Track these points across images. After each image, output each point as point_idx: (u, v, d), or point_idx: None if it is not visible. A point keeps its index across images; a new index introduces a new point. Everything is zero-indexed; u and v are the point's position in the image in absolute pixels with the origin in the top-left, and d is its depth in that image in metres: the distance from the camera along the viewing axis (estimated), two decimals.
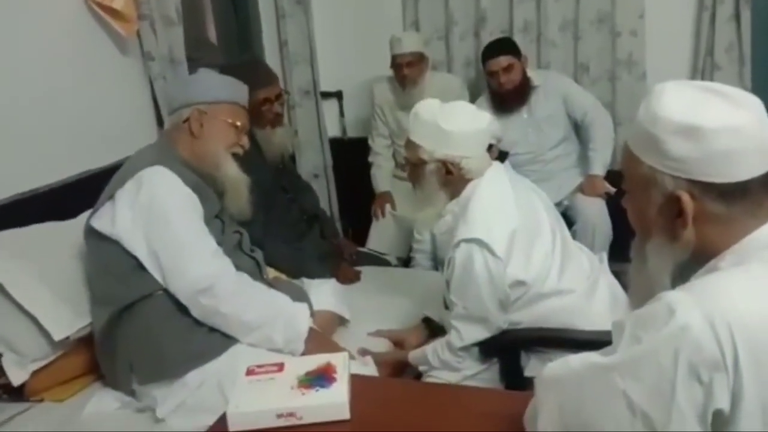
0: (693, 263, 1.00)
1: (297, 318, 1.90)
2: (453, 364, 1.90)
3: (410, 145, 1.92)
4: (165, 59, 2.76)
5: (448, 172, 1.87)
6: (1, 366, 1.84)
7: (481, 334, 1.86)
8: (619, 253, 2.86)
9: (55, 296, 1.90)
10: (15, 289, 1.84)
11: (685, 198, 0.97)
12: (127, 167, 1.88)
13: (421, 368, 2.00)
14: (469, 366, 1.90)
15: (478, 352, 1.91)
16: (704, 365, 0.84)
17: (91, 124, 2.51)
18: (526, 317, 1.88)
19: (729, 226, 0.97)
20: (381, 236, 3.36)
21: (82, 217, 2.04)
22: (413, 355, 2.02)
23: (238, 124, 1.97)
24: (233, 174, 1.95)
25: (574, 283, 1.91)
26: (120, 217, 1.78)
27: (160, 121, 2.80)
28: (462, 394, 1.50)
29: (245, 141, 2.00)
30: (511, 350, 1.90)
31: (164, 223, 1.78)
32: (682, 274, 1.01)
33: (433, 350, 1.94)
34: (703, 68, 3.27)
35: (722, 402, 0.84)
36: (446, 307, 2.05)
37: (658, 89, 1.01)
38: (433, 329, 2.18)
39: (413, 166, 1.93)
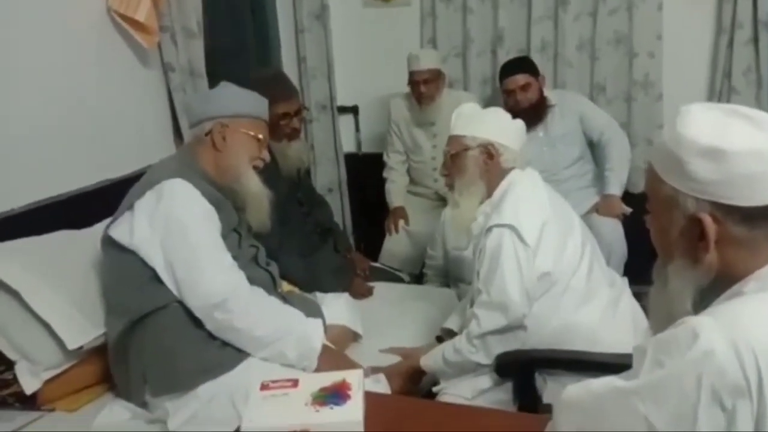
0: (716, 287, 0.99)
1: (310, 334, 1.90)
2: (465, 354, 1.90)
3: (453, 139, 2.03)
4: (185, 71, 2.78)
5: (490, 156, 1.96)
6: (14, 374, 1.84)
7: (498, 322, 1.86)
8: (635, 275, 2.86)
9: (70, 305, 1.90)
10: (30, 297, 1.84)
11: (707, 220, 0.96)
12: (148, 178, 1.89)
13: (435, 389, 1.99)
14: (482, 359, 1.90)
15: (496, 352, 1.90)
16: (727, 391, 0.83)
17: (110, 133, 2.52)
18: (553, 321, 1.89)
19: (753, 250, 0.96)
20: (394, 252, 3.36)
21: (99, 226, 2.04)
22: (426, 358, 2.02)
23: (260, 137, 1.98)
24: (255, 187, 1.96)
25: (599, 288, 1.94)
26: (138, 227, 1.79)
27: (178, 133, 2.82)
28: (476, 415, 1.49)
29: (266, 154, 2.02)
30: (525, 370, 1.88)
31: (181, 235, 1.79)
32: (704, 299, 1.00)
33: (451, 344, 1.95)
34: (720, 91, 3.26)
35: (745, 429, 0.83)
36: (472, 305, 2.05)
37: (683, 111, 1.00)
38: None
39: (454, 157, 2.01)
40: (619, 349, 1.76)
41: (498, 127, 2.00)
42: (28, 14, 2.19)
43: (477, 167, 1.97)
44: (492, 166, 1.97)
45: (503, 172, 1.98)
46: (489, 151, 1.96)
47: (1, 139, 2.10)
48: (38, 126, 2.23)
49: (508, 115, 2.06)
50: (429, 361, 2.01)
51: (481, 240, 1.92)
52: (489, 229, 1.88)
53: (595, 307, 1.90)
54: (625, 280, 2.12)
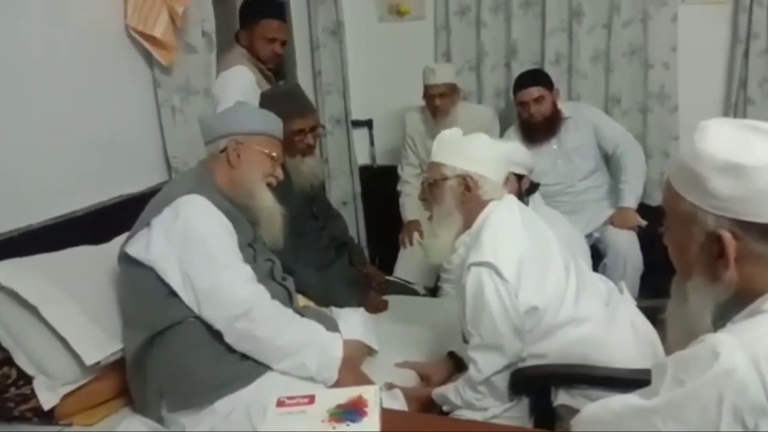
0: (735, 304, 0.98)
1: (331, 346, 1.91)
2: (474, 403, 1.87)
3: (432, 166, 1.98)
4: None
5: (467, 188, 1.91)
6: (32, 389, 1.85)
7: (498, 363, 1.84)
8: (651, 288, 2.84)
9: (88, 321, 1.91)
10: (48, 312, 1.85)
11: (727, 237, 0.96)
12: (164, 194, 1.91)
13: (445, 408, 1.97)
14: (491, 404, 1.87)
15: (505, 390, 1.87)
16: (749, 410, 0.83)
17: (127, 148, 2.55)
18: (546, 349, 1.85)
19: None
20: (408, 265, 3.34)
21: (116, 242, 2.06)
22: (437, 393, 1.99)
23: (274, 154, 2.01)
24: (269, 204, 1.99)
25: (590, 310, 1.89)
26: (155, 243, 1.80)
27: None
28: None
29: (279, 172, 2.04)
30: (541, 387, 1.86)
31: (200, 248, 1.80)
32: (723, 315, 0.99)
33: (455, 390, 1.92)
34: (735, 102, 3.25)
35: None
36: (465, 341, 2.04)
37: (701, 127, 1.00)
38: (459, 363, 2.15)
39: (432, 186, 1.97)
40: (619, 365, 1.76)
41: (479, 157, 1.93)
42: (48, 32, 2.22)
43: (454, 198, 1.91)
44: (470, 197, 1.91)
45: (482, 204, 1.92)
46: (467, 183, 1.91)
47: (20, 155, 2.12)
48: (57, 142, 2.25)
49: (491, 143, 2.01)
50: (439, 398, 1.99)
51: (462, 275, 1.87)
52: (468, 267, 1.82)
53: (587, 330, 1.84)
54: (624, 289, 2.07)
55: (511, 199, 2.00)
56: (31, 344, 1.88)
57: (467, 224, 1.93)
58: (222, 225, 1.86)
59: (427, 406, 2.04)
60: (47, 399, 1.85)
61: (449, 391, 1.93)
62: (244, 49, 3.05)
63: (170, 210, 1.83)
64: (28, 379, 1.86)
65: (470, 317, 1.85)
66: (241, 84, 2.85)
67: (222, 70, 2.85)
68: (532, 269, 1.83)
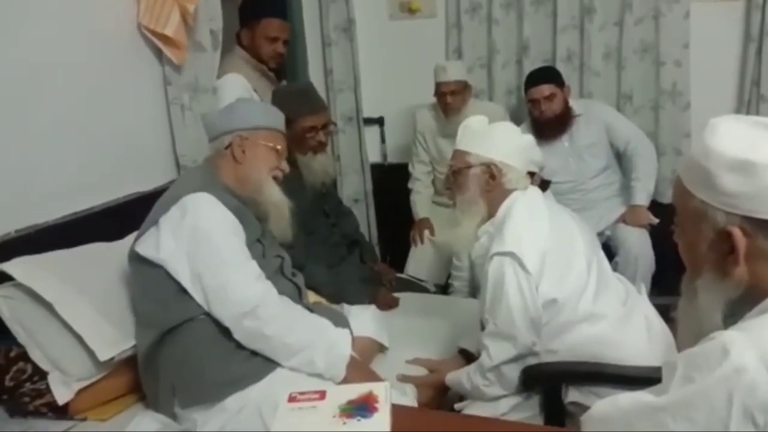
0: (746, 301, 0.98)
1: (340, 342, 1.91)
2: (482, 389, 1.88)
3: (457, 154, 1.99)
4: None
5: (492, 176, 1.92)
6: (47, 384, 1.87)
7: (509, 352, 1.84)
8: (663, 286, 2.83)
9: (102, 317, 1.93)
10: (63, 309, 1.87)
11: (737, 234, 0.96)
12: (171, 193, 1.92)
13: (456, 406, 1.99)
14: (499, 392, 1.88)
15: (514, 380, 1.87)
16: (759, 408, 0.83)
17: (139, 147, 2.57)
18: (560, 345, 1.86)
19: None
20: (419, 262, 3.36)
21: (130, 239, 2.08)
22: (450, 377, 2.01)
23: (278, 148, 2.02)
24: (276, 197, 2.00)
25: (608, 308, 1.89)
26: (164, 242, 1.81)
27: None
28: (503, 429, 1.48)
29: (285, 165, 2.05)
30: (552, 384, 1.86)
31: (208, 247, 1.81)
32: (734, 312, 0.99)
33: (467, 374, 1.94)
34: (748, 100, 3.23)
35: None
36: (482, 328, 2.04)
37: (711, 124, 1.00)
38: (470, 360, 2.15)
39: (456, 174, 1.98)
40: (630, 363, 1.76)
41: (504, 145, 1.95)
42: (62, 31, 2.24)
43: (478, 186, 1.93)
44: (494, 186, 1.93)
45: (505, 193, 1.93)
46: (491, 171, 1.92)
47: (33, 154, 2.14)
48: (71, 141, 2.27)
49: (516, 132, 2.02)
50: (453, 383, 2.01)
51: (485, 264, 1.87)
52: (491, 257, 1.83)
53: (602, 328, 1.84)
54: (642, 289, 2.06)
55: (536, 191, 2.01)
56: (47, 340, 1.90)
57: (491, 213, 1.95)
58: (229, 222, 1.87)
59: (440, 393, 2.07)
60: (62, 394, 1.86)
61: (462, 375, 1.96)
62: (245, 49, 3.02)
63: (178, 208, 1.83)
64: (43, 375, 1.88)
65: (489, 305, 1.86)
66: (233, 92, 2.80)
67: (219, 75, 2.84)
68: (555, 262, 1.84)
